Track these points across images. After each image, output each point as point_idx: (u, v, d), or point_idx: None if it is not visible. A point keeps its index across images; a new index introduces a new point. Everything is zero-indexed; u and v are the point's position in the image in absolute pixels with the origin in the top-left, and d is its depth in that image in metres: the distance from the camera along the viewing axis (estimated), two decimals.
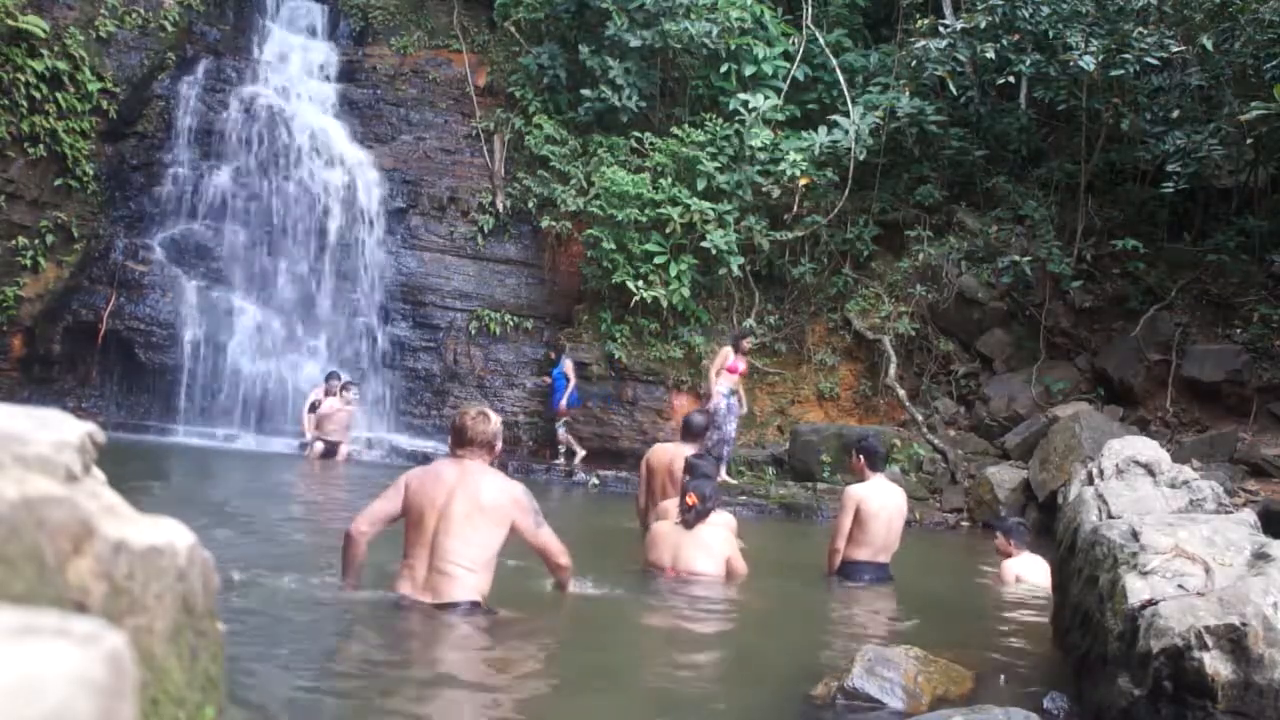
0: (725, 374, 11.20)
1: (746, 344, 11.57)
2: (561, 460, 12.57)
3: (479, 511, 4.23)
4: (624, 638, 4.60)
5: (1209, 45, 11.64)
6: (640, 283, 12.75)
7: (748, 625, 5.19)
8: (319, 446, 11.72)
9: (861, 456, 6.50)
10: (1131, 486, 4.19)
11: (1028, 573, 6.52)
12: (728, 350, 11.29)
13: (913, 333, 13.02)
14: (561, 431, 12.76)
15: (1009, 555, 6.76)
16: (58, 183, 12.70)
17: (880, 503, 6.32)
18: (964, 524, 10.53)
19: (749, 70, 13.77)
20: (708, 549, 5.81)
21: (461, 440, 4.40)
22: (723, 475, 11.17)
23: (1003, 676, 4.00)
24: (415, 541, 4.23)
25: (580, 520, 9.36)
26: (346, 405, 11.85)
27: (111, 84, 13.04)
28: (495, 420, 4.49)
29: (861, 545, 6.28)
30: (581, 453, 12.69)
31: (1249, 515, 3.88)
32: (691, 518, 5.85)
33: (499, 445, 4.51)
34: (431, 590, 4.16)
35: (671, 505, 6.25)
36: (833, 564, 6.40)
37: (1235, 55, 11.81)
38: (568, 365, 12.82)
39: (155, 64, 13.54)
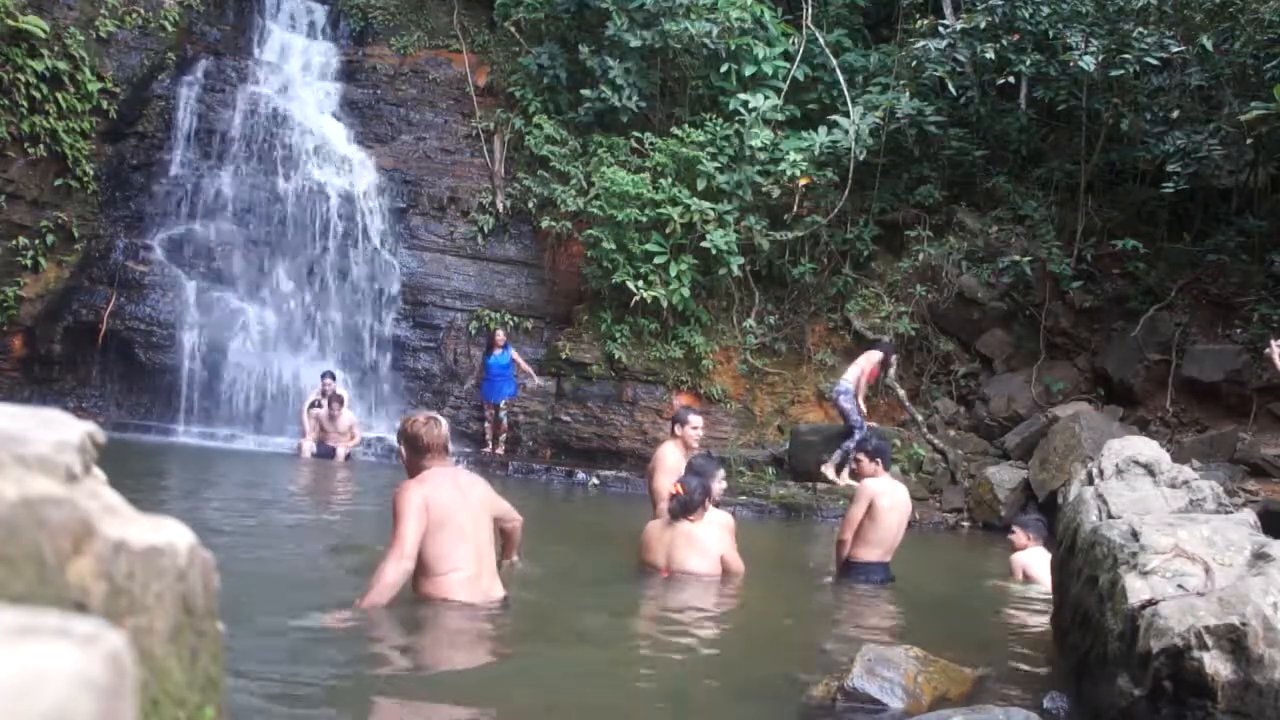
0: (864, 379, 11.32)
1: (893, 358, 11.81)
2: (490, 446, 12.88)
3: (489, 507, 4.56)
4: (621, 637, 4.59)
5: (1209, 45, 11.63)
6: (640, 283, 12.74)
7: (747, 624, 5.19)
8: (308, 446, 11.73)
9: (879, 459, 6.41)
10: (1131, 486, 4.19)
11: (1036, 567, 6.54)
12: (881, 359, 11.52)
13: (913, 333, 13.02)
14: (504, 420, 12.97)
15: (1022, 547, 6.79)
16: (58, 183, 12.70)
17: (893, 499, 6.28)
18: (964, 524, 10.53)
19: (749, 70, 13.75)
20: (701, 547, 5.81)
21: (419, 447, 4.44)
22: (845, 478, 10.73)
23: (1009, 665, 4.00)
24: (453, 552, 4.27)
25: (581, 520, 9.36)
26: (330, 397, 11.84)
27: (111, 84, 13.03)
28: (445, 423, 4.65)
29: (872, 544, 6.21)
30: (501, 440, 12.97)
31: (1249, 515, 3.87)
32: (674, 507, 5.85)
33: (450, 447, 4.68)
34: (484, 593, 4.35)
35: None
36: (840, 554, 6.33)
37: (1235, 55, 11.80)
38: (515, 354, 12.98)
39: (155, 64, 13.53)
